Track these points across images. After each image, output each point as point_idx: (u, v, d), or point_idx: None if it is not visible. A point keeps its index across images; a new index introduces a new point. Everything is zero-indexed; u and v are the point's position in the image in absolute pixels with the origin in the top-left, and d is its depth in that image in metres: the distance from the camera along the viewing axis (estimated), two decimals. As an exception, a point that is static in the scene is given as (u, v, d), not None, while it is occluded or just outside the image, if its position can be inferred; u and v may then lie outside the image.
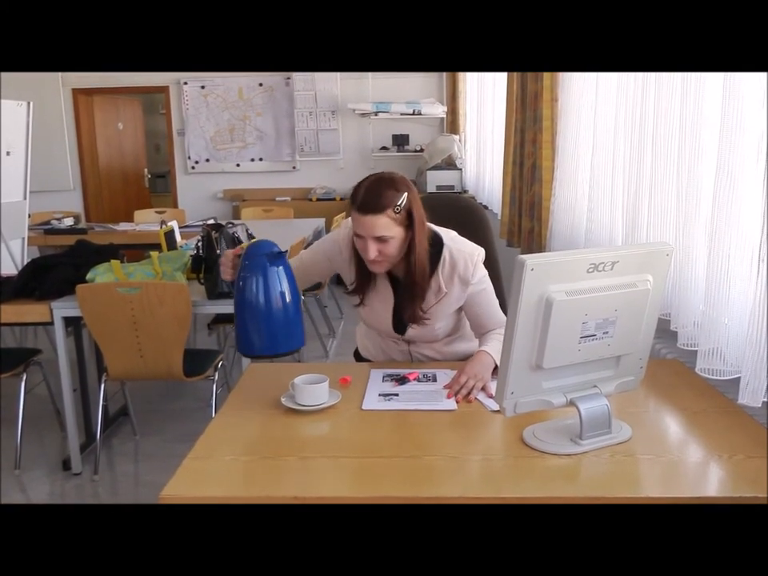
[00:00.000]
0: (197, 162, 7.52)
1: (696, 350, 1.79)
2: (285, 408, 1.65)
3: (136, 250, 4.79)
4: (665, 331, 1.98)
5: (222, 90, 7.35)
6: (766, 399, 1.51)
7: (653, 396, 1.71)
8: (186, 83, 7.34)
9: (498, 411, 1.60)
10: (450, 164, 6.55)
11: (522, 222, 3.65)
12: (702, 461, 1.38)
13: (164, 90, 7.46)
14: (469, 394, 1.71)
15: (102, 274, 2.88)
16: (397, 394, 1.74)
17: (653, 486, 1.33)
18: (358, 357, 2.27)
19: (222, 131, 7.44)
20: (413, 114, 6.95)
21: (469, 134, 6.57)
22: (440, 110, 7.03)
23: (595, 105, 2.68)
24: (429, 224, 1.89)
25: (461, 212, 2.39)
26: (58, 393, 3.13)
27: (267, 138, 7.44)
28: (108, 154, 8.05)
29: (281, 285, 1.65)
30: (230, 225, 3.04)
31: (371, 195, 1.75)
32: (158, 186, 9.94)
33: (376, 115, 6.98)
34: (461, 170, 6.50)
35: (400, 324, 1.99)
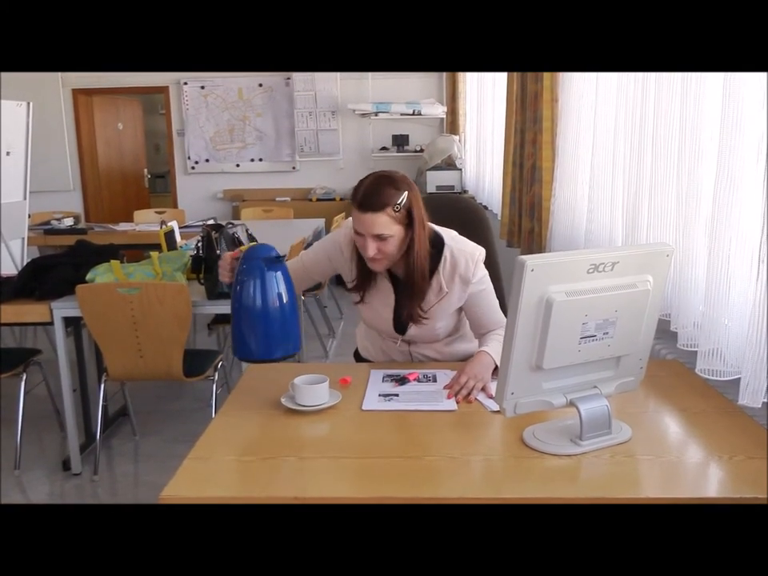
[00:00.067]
0: (196, 163, 7.52)
1: (696, 351, 1.79)
2: (285, 408, 1.65)
3: (136, 251, 4.80)
4: (665, 332, 1.98)
5: (221, 91, 7.36)
6: (766, 400, 1.51)
7: (653, 397, 1.71)
8: (185, 83, 7.34)
9: (498, 412, 1.60)
10: (449, 164, 6.55)
11: (522, 222, 3.65)
12: (702, 461, 1.38)
13: (164, 90, 7.46)
14: (469, 394, 1.71)
15: (101, 275, 2.87)
16: (397, 395, 1.73)
17: (653, 486, 1.33)
18: (358, 357, 2.27)
19: (222, 131, 7.44)
20: (413, 114, 6.95)
21: (469, 134, 6.57)
22: (440, 111, 7.03)
23: (595, 105, 2.68)
24: (430, 224, 1.89)
25: (461, 212, 2.39)
26: (58, 393, 3.13)
27: (267, 139, 7.44)
28: (108, 155, 8.05)
29: (278, 290, 1.64)
30: (230, 225, 3.04)
31: (371, 193, 1.76)
32: (158, 187, 9.94)
33: (376, 115, 6.98)
34: (461, 170, 6.51)
35: (400, 324, 1.99)
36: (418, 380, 1.83)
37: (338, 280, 2.12)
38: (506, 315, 1.44)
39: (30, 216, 5.21)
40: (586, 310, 1.36)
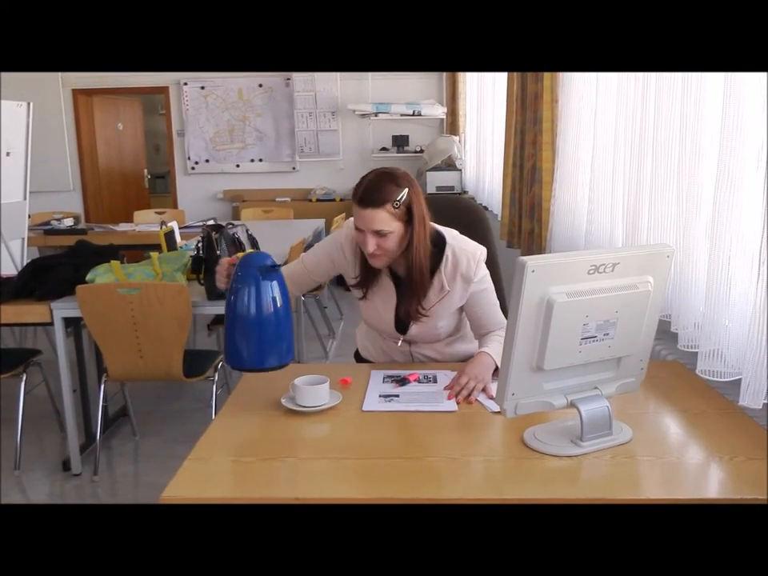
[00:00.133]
0: (196, 163, 7.52)
1: (696, 352, 1.79)
2: (285, 409, 1.65)
3: (136, 251, 4.79)
4: (665, 333, 1.97)
5: (221, 91, 7.36)
6: (766, 401, 1.51)
7: (653, 397, 1.71)
8: (185, 84, 7.34)
9: (498, 412, 1.60)
10: (449, 165, 6.55)
11: (522, 223, 3.65)
12: (702, 462, 1.38)
13: (164, 90, 7.46)
14: (469, 395, 1.71)
15: (101, 275, 2.87)
16: (397, 395, 1.73)
17: (653, 487, 1.33)
18: (359, 358, 2.27)
19: (222, 132, 7.45)
20: (413, 114, 6.95)
21: (469, 135, 6.57)
22: (440, 111, 7.03)
23: (595, 106, 2.68)
24: (432, 224, 1.90)
25: (461, 213, 2.38)
26: (58, 393, 3.13)
27: (267, 139, 7.45)
28: (108, 155, 8.05)
29: (272, 299, 1.61)
30: (230, 225, 3.04)
31: (372, 189, 1.77)
32: (158, 187, 9.95)
33: (376, 116, 6.99)
34: (461, 170, 6.51)
35: (402, 323, 1.99)
36: (419, 381, 1.83)
37: (338, 280, 2.13)
38: (506, 316, 1.44)
39: (30, 216, 5.21)
40: (586, 311, 1.36)
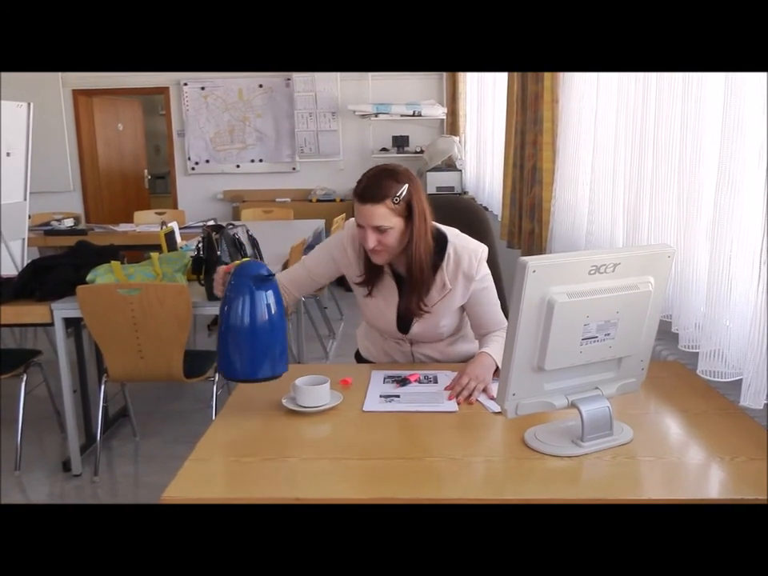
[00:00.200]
0: (197, 163, 7.52)
1: (697, 352, 1.79)
2: (286, 409, 1.65)
3: (136, 251, 4.79)
4: (666, 333, 1.97)
5: (221, 92, 7.36)
6: (767, 401, 1.51)
7: (654, 398, 1.71)
8: (185, 84, 7.34)
9: (499, 413, 1.60)
10: (449, 165, 6.55)
11: (523, 223, 3.65)
12: (703, 463, 1.38)
13: (164, 91, 7.46)
14: (470, 395, 1.71)
15: (102, 275, 2.87)
16: (398, 396, 1.73)
17: (654, 487, 1.33)
18: (359, 358, 2.27)
19: (222, 132, 7.44)
20: (413, 115, 6.95)
21: (469, 135, 6.57)
22: (440, 112, 7.03)
23: (596, 106, 2.68)
24: (434, 222, 1.90)
25: (461, 213, 2.38)
26: (58, 394, 3.13)
27: (267, 139, 7.45)
28: (108, 155, 8.05)
29: (265, 309, 1.59)
30: (231, 226, 3.04)
31: (371, 185, 1.78)
32: (158, 187, 9.94)
33: (376, 116, 6.98)
34: (461, 171, 6.50)
35: (404, 322, 1.99)
36: (419, 381, 1.83)
37: (338, 281, 2.12)
38: (507, 316, 1.44)
39: (30, 217, 5.21)
40: (587, 311, 1.36)
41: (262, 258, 3.19)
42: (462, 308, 2.00)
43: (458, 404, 1.68)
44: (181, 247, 3.75)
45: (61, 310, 2.87)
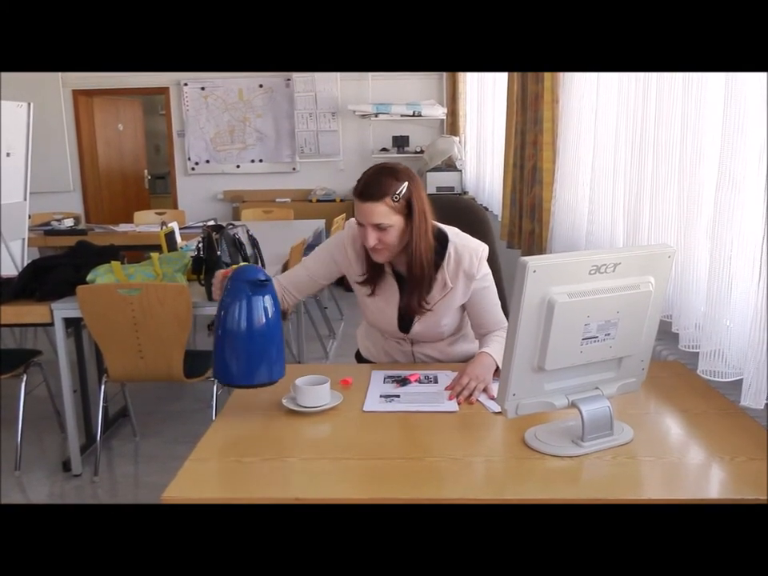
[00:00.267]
0: (197, 164, 7.52)
1: (698, 352, 1.78)
2: (286, 409, 1.65)
3: (136, 251, 4.79)
4: (666, 333, 1.97)
5: (222, 92, 7.36)
6: (767, 401, 1.51)
7: (654, 398, 1.71)
8: (186, 84, 7.34)
9: (499, 413, 1.60)
10: (450, 165, 6.55)
11: (523, 223, 3.65)
12: (703, 463, 1.38)
13: (164, 91, 7.46)
14: (470, 395, 1.71)
15: (102, 275, 2.87)
16: (398, 396, 1.73)
17: (654, 487, 1.33)
18: (359, 358, 2.27)
19: (222, 132, 7.44)
20: (413, 115, 6.94)
21: (469, 135, 6.57)
22: (440, 112, 7.03)
23: (596, 106, 2.68)
24: (434, 222, 1.90)
25: (461, 213, 2.38)
26: (58, 394, 3.13)
27: (267, 140, 7.45)
28: (108, 155, 8.05)
29: (262, 314, 1.57)
30: (231, 226, 3.04)
31: (371, 183, 1.79)
32: (158, 188, 9.94)
33: (376, 117, 6.98)
34: (461, 171, 6.50)
35: (405, 322, 1.99)
36: (420, 381, 1.82)
37: (338, 281, 2.12)
38: (507, 316, 1.44)
39: (30, 217, 5.21)
40: (587, 311, 1.36)
41: (262, 258, 3.19)
42: (463, 307, 2.01)
43: (459, 404, 1.68)
44: (181, 247, 3.75)
45: (61, 310, 2.87)
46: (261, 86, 7.33)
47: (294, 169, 7.48)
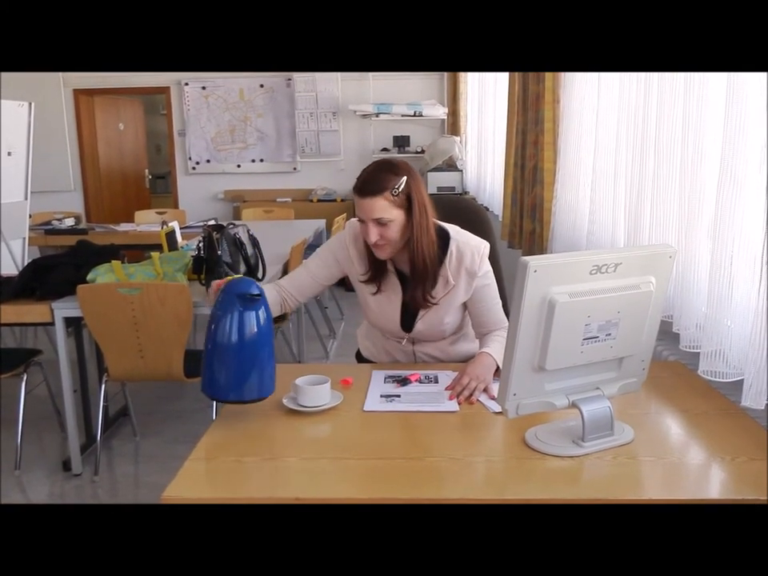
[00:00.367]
0: (197, 163, 7.52)
1: (698, 352, 1.78)
2: (286, 409, 1.65)
3: (137, 251, 4.79)
4: (667, 333, 1.97)
5: (222, 91, 7.36)
6: (768, 401, 1.51)
7: (655, 398, 1.71)
8: (186, 84, 7.34)
9: (500, 413, 1.60)
10: (450, 165, 6.55)
11: (524, 223, 3.65)
12: (704, 463, 1.38)
13: (165, 90, 7.46)
14: (471, 395, 1.71)
15: (102, 275, 2.87)
16: (398, 396, 1.73)
17: (655, 488, 1.33)
18: (360, 358, 2.27)
19: (223, 132, 7.45)
20: (414, 115, 6.95)
21: (470, 135, 6.57)
22: (441, 112, 7.03)
23: (597, 106, 2.67)
24: (435, 220, 1.90)
25: (462, 213, 2.38)
26: (59, 393, 3.13)
27: (268, 139, 7.45)
28: (109, 155, 8.05)
29: (253, 330, 1.55)
30: (231, 225, 3.04)
31: (370, 179, 1.80)
32: (159, 187, 9.95)
33: (377, 116, 6.98)
34: (462, 171, 6.50)
35: (407, 321, 1.98)
36: (420, 381, 1.82)
37: (339, 281, 2.12)
38: (508, 316, 1.44)
39: (30, 216, 5.22)
40: (588, 311, 1.36)
41: (262, 258, 3.19)
42: (464, 306, 2.00)
43: (459, 404, 1.68)
44: (181, 247, 3.75)
45: (61, 310, 2.87)
46: (262, 85, 7.33)
47: (294, 168, 7.48)
